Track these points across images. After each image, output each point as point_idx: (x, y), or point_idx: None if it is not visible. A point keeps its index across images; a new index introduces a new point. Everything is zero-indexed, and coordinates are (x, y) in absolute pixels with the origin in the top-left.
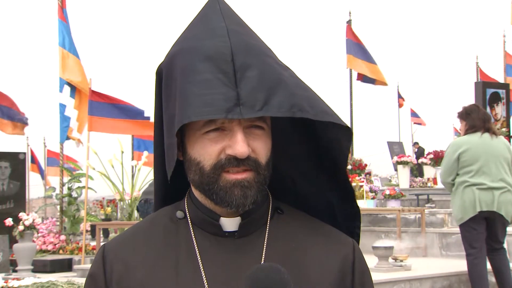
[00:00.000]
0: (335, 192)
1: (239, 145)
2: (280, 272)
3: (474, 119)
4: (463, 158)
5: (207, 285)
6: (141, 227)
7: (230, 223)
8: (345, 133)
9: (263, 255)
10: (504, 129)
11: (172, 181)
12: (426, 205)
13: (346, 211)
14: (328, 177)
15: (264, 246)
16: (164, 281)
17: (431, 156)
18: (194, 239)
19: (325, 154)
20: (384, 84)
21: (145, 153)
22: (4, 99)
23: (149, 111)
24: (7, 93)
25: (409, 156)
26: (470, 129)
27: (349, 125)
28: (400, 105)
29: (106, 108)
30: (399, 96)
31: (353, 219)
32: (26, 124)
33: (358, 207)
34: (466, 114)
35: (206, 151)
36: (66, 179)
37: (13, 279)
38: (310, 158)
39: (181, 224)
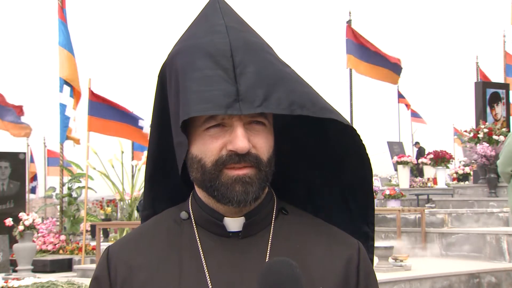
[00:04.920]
0: (342, 188)
1: (239, 140)
2: (291, 266)
3: None
4: None
5: (210, 286)
6: (145, 228)
7: (234, 223)
8: (348, 129)
9: (267, 256)
10: (504, 129)
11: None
12: (426, 205)
13: (356, 205)
14: (337, 171)
15: (268, 247)
16: (168, 282)
17: (431, 156)
18: (198, 239)
19: (332, 147)
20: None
21: (145, 153)
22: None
23: (146, 121)
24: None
25: (409, 156)
26: None
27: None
28: (407, 106)
29: (104, 110)
30: (400, 96)
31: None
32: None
33: (372, 202)
34: None
35: (207, 148)
36: (66, 179)
37: (13, 279)
38: (317, 153)
39: (185, 225)
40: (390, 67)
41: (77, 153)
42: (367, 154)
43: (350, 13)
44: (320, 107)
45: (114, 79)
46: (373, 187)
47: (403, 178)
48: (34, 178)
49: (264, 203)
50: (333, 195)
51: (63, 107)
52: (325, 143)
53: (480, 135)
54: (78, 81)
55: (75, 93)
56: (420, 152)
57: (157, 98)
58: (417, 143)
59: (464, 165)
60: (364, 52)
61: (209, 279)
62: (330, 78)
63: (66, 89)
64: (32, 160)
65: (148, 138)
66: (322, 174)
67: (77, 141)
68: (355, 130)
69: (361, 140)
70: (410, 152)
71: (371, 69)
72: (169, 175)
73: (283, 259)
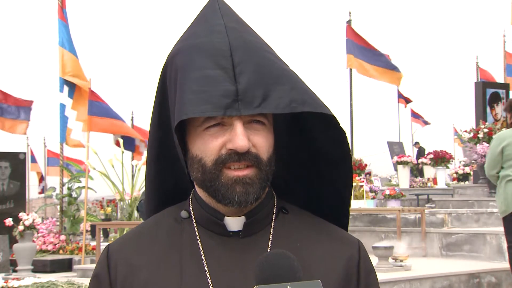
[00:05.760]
0: (330, 195)
1: (239, 139)
2: (289, 258)
3: None
4: (506, 152)
5: (211, 285)
6: (145, 227)
7: (234, 223)
8: (340, 135)
9: None
10: (504, 129)
11: (169, 179)
12: (426, 205)
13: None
14: (325, 179)
15: (269, 246)
16: (168, 281)
17: (431, 156)
18: (198, 238)
19: (322, 154)
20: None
21: (145, 153)
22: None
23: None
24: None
25: (409, 156)
26: None
27: (349, 124)
28: (405, 105)
29: (104, 108)
30: (400, 96)
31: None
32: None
33: (347, 222)
34: (510, 107)
35: (207, 147)
36: (66, 179)
37: (13, 279)
38: (306, 158)
39: (185, 224)
40: (391, 67)
41: (77, 153)
42: (351, 166)
43: (350, 13)
44: (321, 104)
45: (114, 79)
46: (350, 206)
47: (403, 178)
48: (42, 178)
49: (265, 202)
50: (328, 197)
51: (62, 107)
52: (316, 146)
53: (480, 135)
54: (85, 84)
55: (80, 93)
56: (420, 152)
57: (158, 97)
58: (417, 143)
59: (464, 165)
60: (364, 53)
61: (209, 278)
62: (330, 78)
63: (66, 89)
64: (34, 160)
65: (148, 136)
66: (315, 175)
67: (78, 145)
68: (346, 137)
69: (349, 150)
70: (410, 152)
71: (373, 70)
72: (172, 174)
73: (281, 251)
